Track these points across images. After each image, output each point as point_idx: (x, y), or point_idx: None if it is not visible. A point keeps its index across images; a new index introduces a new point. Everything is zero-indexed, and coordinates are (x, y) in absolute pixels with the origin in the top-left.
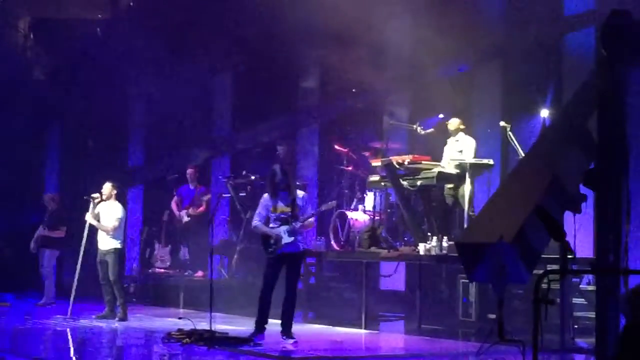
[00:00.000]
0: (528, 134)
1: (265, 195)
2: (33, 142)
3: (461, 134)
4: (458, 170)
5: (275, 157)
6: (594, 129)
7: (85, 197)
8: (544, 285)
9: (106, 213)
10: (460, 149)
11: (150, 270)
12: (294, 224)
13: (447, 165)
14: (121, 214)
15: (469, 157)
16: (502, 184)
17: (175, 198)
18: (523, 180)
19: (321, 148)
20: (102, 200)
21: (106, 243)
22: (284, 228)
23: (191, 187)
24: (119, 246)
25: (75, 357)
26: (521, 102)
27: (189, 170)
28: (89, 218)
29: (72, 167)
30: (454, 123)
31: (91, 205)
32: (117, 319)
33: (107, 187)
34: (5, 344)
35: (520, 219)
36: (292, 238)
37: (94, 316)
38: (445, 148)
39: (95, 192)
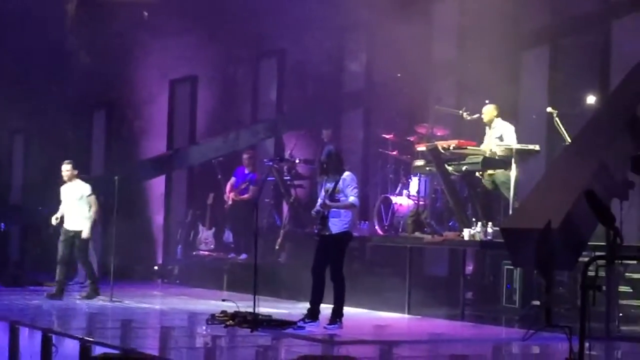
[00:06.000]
0: (575, 120)
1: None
2: (80, 125)
3: (498, 120)
4: (504, 155)
5: (320, 141)
6: None
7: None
8: (591, 272)
9: (72, 194)
10: (498, 135)
11: (194, 253)
12: (319, 206)
13: (492, 150)
14: (90, 190)
15: (511, 142)
16: (549, 170)
17: (231, 179)
18: (569, 167)
19: (366, 132)
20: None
21: (76, 224)
22: (316, 209)
23: (246, 170)
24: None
25: (120, 338)
26: (569, 87)
27: (245, 155)
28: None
29: (118, 151)
30: (487, 112)
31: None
32: (84, 296)
33: (67, 168)
34: (52, 324)
35: (567, 205)
36: (324, 220)
37: (45, 295)
38: (485, 138)
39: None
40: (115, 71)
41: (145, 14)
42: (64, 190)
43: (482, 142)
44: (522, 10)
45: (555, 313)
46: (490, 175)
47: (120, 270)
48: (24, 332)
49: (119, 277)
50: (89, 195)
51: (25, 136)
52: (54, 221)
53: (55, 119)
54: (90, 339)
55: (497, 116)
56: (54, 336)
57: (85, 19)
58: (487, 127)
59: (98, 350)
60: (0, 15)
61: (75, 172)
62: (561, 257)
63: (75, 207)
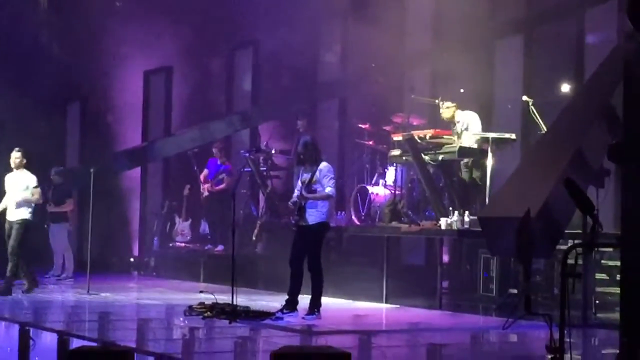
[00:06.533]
0: (550, 108)
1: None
2: (55, 117)
3: (458, 112)
4: (480, 145)
5: (296, 132)
6: (619, 104)
7: None
8: (571, 260)
9: (18, 184)
10: (464, 127)
11: (170, 245)
12: (296, 197)
13: (468, 140)
14: (36, 182)
15: (478, 130)
16: (525, 159)
17: (204, 171)
18: (546, 155)
19: (341, 122)
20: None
21: (15, 214)
22: (293, 200)
23: (219, 162)
24: (28, 217)
25: (97, 330)
26: (543, 76)
27: (214, 147)
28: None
29: (92, 142)
30: (445, 111)
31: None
32: (24, 290)
33: (17, 156)
34: (30, 316)
35: (544, 193)
36: (301, 211)
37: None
38: (452, 134)
39: None
40: (88, 63)
41: (118, 4)
42: (9, 179)
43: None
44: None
45: (532, 301)
46: (466, 164)
47: (97, 263)
48: (0, 326)
49: (96, 270)
50: (35, 187)
51: None
52: None
53: (29, 112)
54: (68, 332)
55: (456, 109)
56: (31, 329)
57: (58, 10)
58: (451, 124)
59: (76, 343)
60: None
61: (24, 161)
62: (539, 245)
63: (19, 197)
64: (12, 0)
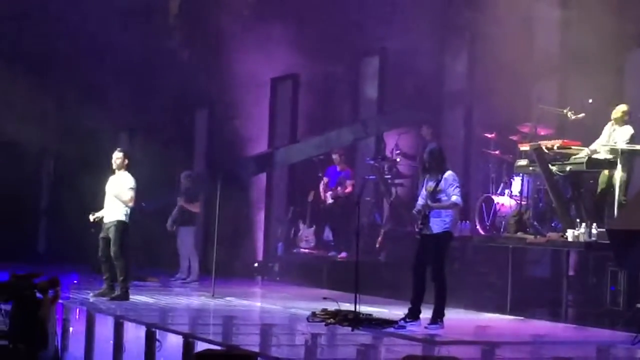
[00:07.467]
0: None
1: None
2: (183, 123)
3: (624, 123)
4: (610, 156)
5: (421, 139)
6: None
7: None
8: None
9: (117, 184)
10: (615, 138)
11: (294, 250)
12: (421, 205)
13: (598, 151)
14: (133, 183)
15: (621, 143)
16: None
17: (324, 179)
18: None
19: (467, 131)
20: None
21: (110, 215)
22: (417, 209)
23: (338, 169)
24: (122, 218)
25: (222, 334)
26: None
27: (334, 155)
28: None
29: (220, 147)
30: (618, 111)
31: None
32: (113, 296)
33: (119, 156)
34: (155, 319)
35: None
36: (425, 220)
37: (90, 293)
38: (603, 132)
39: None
40: (216, 69)
41: (245, 12)
42: (110, 181)
43: (587, 142)
44: (627, 8)
45: None
46: (607, 175)
47: (222, 267)
48: (128, 327)
49: (220, 274)
50: (130, 188)
51: (129, 134)
52: (91, 218)
53: (158, 117)
54: (193, 335)
55: (623, 119)
56: (157, 331)
57: (187, 17)
58: (611, 124)
59: (200, 346)
60: (105, 15)
61: (126, 161)
62: None
63: (115, 199)
64: (142, 7)
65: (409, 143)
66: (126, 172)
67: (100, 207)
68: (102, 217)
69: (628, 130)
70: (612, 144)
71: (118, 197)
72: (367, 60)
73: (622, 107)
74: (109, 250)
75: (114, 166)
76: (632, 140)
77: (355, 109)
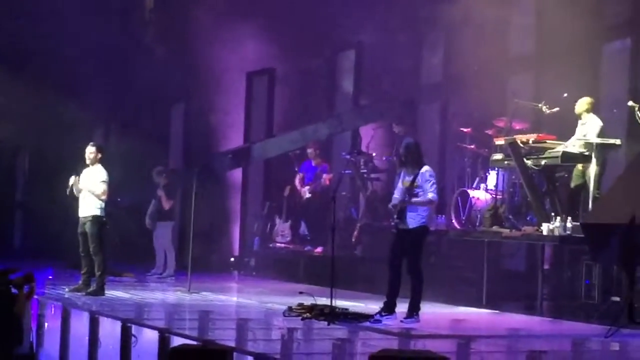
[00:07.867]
0: None
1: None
2: (158, 118)
3: (590, 115)
4: (583, 150)
5: (396, 135)
6: None
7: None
8: None
9: (90, 178)
10: (585, 132)
11: (271, 245)
12: (397, 200)
13: (573, 145)
14: (106, 176)
15: (592, 137)
16: (630, 164)
17: (299, 175)
18: None
19: (442, 126)
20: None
21: (85, 210)
22: (393, 203)
23: (313, 163)
24: (98, 213)
25: (198, 329)
26: None
27: (309, 150)
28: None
29: (195, 142)
30: (579, 105)
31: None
32: (89, 291)
33: (92, 151)
34: (131, 314)
35: None
36: (401, 214)
37: (66, 289)
38: (577, 130)
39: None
40: (191, 64)
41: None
42: (83, 175)
43: (562, 137)
44: (603, 2)
45: (635, 310)
46: (581, 169)
47: (198, 262)
48: (103, 322)
49: (196, 269)
50: (102, 181)
51: (105, 129)
52: (71, 181)
53: (133, 112)
54: (169, 330)
55: (588, 110)
56: (133, 326)
57: (162, 11)
58: (579, 121)
59: (176, 341)
60: (81, 10)
61: (99, 156)
62: None
63: (90, 194)
64: (118, 2)
65: (384, 138)
66: (99, 166)
67: (75, 202)
68: (78, 212)
69: (596, 122)
70: (585, 138)
71: (91, 191)
72: (343, 54)
73: (586, 99)
74: (88, 245)
75: (87, 161)
76: (602, 132)
77: (331, 103)
